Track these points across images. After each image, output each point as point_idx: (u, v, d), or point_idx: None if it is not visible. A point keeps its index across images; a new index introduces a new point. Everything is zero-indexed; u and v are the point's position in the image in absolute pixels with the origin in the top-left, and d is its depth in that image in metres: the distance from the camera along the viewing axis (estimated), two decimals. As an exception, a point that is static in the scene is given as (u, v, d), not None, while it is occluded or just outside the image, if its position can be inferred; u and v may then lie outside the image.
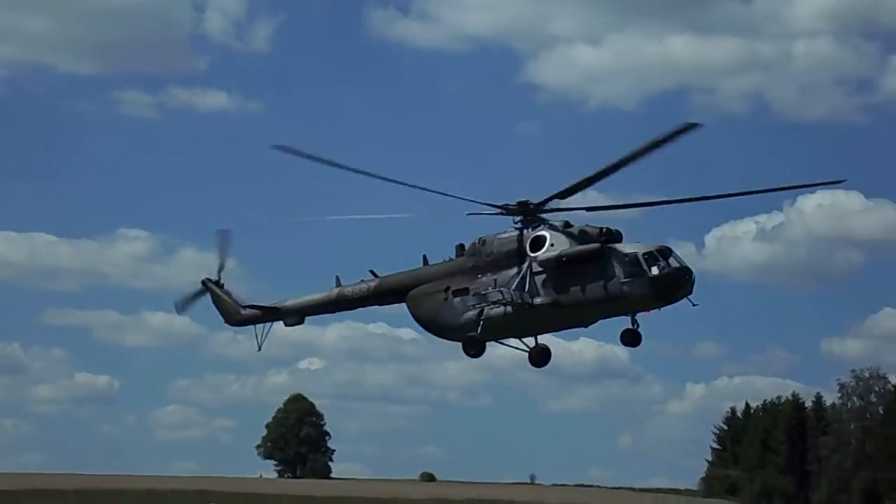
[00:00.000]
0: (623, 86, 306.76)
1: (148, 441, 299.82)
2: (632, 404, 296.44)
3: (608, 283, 47.77)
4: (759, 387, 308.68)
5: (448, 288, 51.56)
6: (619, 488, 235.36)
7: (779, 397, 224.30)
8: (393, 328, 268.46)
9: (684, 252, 49.61)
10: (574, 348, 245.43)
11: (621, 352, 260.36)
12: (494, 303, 49.31)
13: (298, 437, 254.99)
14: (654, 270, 47.43)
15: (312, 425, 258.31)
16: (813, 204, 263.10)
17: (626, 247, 48.39)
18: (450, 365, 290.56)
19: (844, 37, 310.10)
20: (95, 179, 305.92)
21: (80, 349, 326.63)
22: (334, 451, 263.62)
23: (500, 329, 50.38)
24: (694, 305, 48.50)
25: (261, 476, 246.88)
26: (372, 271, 54.90)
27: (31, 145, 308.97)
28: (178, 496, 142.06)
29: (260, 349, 58.40)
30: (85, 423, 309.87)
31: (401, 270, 54.35)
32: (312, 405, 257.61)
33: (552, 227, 49.66)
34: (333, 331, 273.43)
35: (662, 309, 48.85)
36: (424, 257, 53.75)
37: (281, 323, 58.01)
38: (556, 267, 48.72)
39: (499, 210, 50.13)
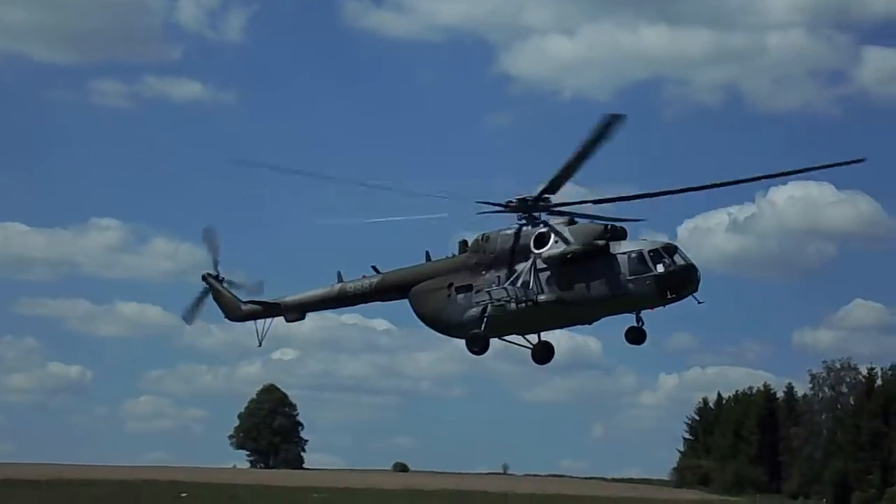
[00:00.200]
0: (597, 77, 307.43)
1: (120, 431, 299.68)
2: (604, 395, 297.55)
3: (613, 281, 47.56)
4: (732, 377, 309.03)
5: (451, 284, 51.24)
6: (591, 479, 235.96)
7: (751, 388, 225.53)
8: (366, 319, 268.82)
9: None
10: (547, 339, 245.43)
11: (594, 343, 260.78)
12: (498, 300, 49.07)
13: (271, 428, 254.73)
14: (660, 268, 47.21)
15: (285, 416, 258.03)
16: (785, 196, 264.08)
17: (630, 244, 48.17)
18: (423, 356, 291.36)
19: (817, 29, 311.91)
20: (68, 169, 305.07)
21: (53, 339, 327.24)
22: (307, 441, 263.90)
23: (504, 326, 50.08)
24: (699, 303, 48.41)
25: (234, 466, 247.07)
26: (374, 267, 54.47)
27: (3, 134, 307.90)
28: (151, 487, 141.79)
29: (260, 345, 58.30)
30: (57, 413, 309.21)
31: (403, 266, 53.94)
32: (285, 395, 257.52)
33: (556, 224, 49.39)
34: (307, 321, 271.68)
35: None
36: (427, 253, 53.33)
37: (282, 319, 57.59)
38: (561, 264, 48.46)
39: (501, 207, 49.72)
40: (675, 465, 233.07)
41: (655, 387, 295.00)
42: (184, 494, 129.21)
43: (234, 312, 59.34)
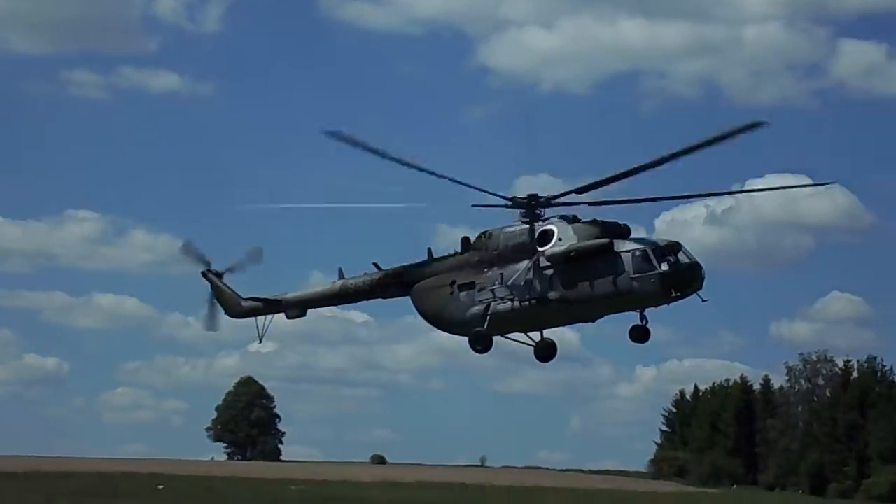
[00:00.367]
0: (575, 70, 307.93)
1: (98, 423, 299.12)
2: (582, 387, 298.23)
3: (617, 279, 47.22)
4: (708, 370, 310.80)
5: (454, 282, 50.80)
6: (569, 471, 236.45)
7: (727, 380, 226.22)
8: (344, 311, 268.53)
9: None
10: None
11: (572, 335, 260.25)
12: (502, 298, 48.87)
13: (249, 420, 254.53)
14: (665, 266, 46.90)
15: (263, 408, 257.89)
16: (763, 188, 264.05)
17: (635, 242, 47.84)
18: (401, 348, 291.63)
19: (794, 22, 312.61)
20: (45, 160, 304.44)
21: (29, 331, 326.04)
22: (285, 433, 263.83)
23: (507, 324, 49.78)
24: (703, 301, 48.16)
25: (212, 459, 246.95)
26: (375, 264, 53.87)
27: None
28: (128, 479, 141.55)
29: (261, 342, 57.94)
30: (34, 405, 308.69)
31: (405, 263, 53.38)
32: (263, 388, 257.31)
33: (560, 221, 49.06)
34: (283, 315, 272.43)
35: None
36: (429, 250, 52.78)
37: (282, 315, 57.17)
38: (565, 262, 48.08)
39: (505, 203, 49.41)
40: (652, 456, 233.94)
41: (633, 379, 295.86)
42: (161, 486, 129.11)
43: (235, 309, 58.49)
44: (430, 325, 52.19)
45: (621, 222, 48.69)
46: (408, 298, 52.96)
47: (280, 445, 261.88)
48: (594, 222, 48.73)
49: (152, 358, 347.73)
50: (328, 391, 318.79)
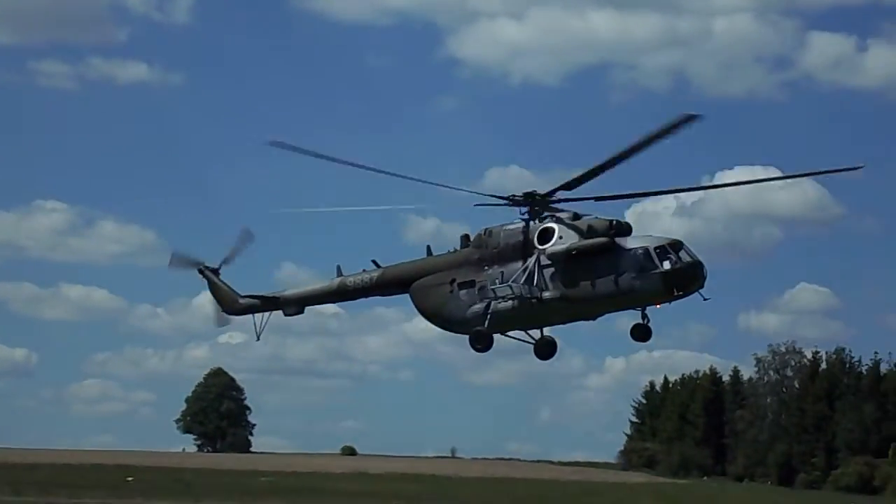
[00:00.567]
0: (545, 61, 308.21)
1: (66, 415, 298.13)
2: (552, 378, 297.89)
3: (619, 278, 46.91)
4: (678, 361, 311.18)
5: (454, 280, 50.45)
6: (539, 462, 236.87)
7: (697, 371, 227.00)
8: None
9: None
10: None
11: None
12: (503, 297, 48.45)
13: (219, 412, 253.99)
14: (666, 265, 46.62)
15: (233, 399, 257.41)
16: (732, 180, 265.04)
17: (636, 240, 47.44)
18: (371, 339, 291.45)
19: (764, 14, 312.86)
20: (12, 151, 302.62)
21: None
22: (255, 425, 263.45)
23: (508, 322, 49.48)
24: (705, 300, 48.14)
25: (183, 450, 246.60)
26: (374, 261, 53.50)
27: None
28: (97, 471, 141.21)
29: (259, 339, 57.45)
30: (2, 396, 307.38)
31: (404, 261, 53.10)
32: (233, 379, 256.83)
33: (560, 219, 48.66)
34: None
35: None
36: (428, 248, 52.55)
37: (280, 312, 56.73)
38: (566, 260, 47.72)
39: (505, 201, 48.95)
40: (622, 447, 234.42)
41: (602, 370, 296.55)
42: (130, 478, 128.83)
43: (232, 306, 57.86)
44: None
45: (622, 220, 48.35)
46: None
47: (250, 437, 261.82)
48: (595, 220, 48.40)
49: (121, 349, 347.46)
50: (298, 382, 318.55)
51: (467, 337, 49.77)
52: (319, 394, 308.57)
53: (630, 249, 47.11)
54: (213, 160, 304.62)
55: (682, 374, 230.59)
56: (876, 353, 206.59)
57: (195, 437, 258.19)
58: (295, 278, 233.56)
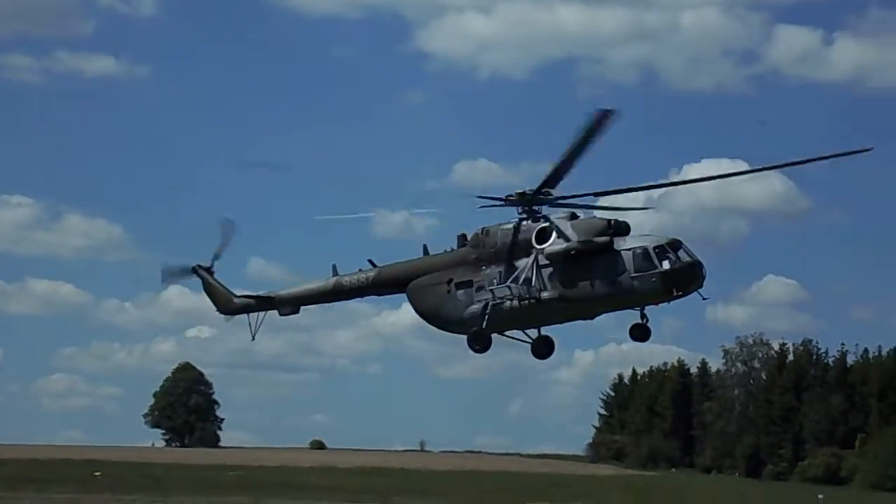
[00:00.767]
0: (513, 55, 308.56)
1: (33, 410, 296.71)
2: (521, 372, 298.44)
3: (618, 278, 46.64)
4: (646, 354, 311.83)
5: (451, 280, 50.08)
6: (508, 455, 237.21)
7: (665, 364, 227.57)
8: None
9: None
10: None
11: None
12: (501, 297, 48.18)
13: (187, 406, 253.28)
14: (666, 265, 46.35)
15: (201, 394, 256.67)
16: (699, 173, 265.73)
17: (635, 239, 47.22)
18: (340, 333, 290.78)
19: (731, 8, 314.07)
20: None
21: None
22: (223, 419, 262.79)
23: (506, 322, 49.21)
24: (704, 299, 48.12)
25: (153, 445, 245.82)
26: (370, 261, 53.12)
27: None
28: (64, 465, 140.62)
29: (253, 339, 57.06)
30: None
31: (400, 260, 52.69)
32: (201, 374, 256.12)
33: (558, 219, 48.33)
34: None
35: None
36: (425, 247, 52.17)
37: (275, 312, 56.34)
38: (564, 260, 47.40)
39: (502, 200, 48.34)
40: (591, 440, 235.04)
41: (571, 363, 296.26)
42: (98, 473, 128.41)
43: (227, 306, 57.31)
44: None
45: (621, 219, 48.13)
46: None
47: (219, 431, 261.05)
48: (593, 219, 48.15)
49: (88, 344, 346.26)
50: (267, 377, 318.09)
51: (465, 337, 49.38)
52: (288, 388, 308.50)
53: (629, 249, 46.83)
54: (181, 154, 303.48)
55: (651, 367, 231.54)
56: (843, 344, 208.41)
57: (163, 431, 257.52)
58: (265, 273, 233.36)
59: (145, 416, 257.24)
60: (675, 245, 47.10)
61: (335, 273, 54.11)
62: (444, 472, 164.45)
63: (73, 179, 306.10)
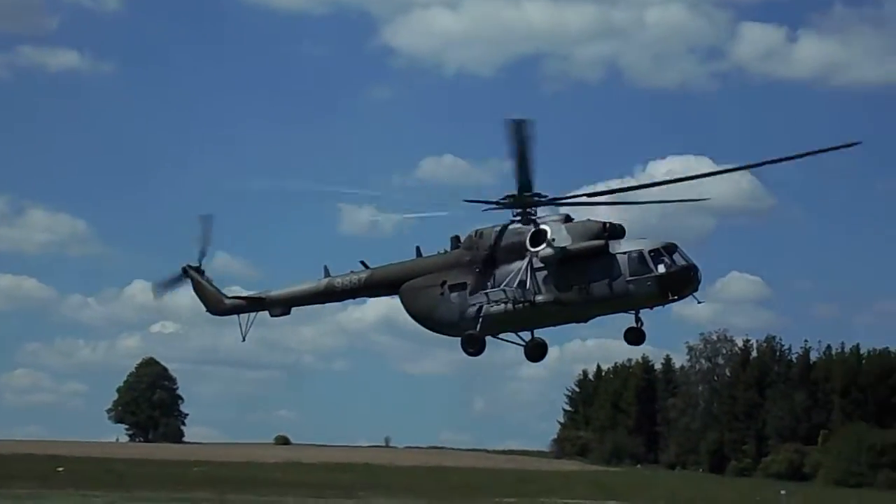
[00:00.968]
0: (480, 51, 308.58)
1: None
2: (486, 367, 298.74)
3: (613, 282, 46.37)
4: (611, 350, 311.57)
5: (444, 282, 49.65)
6: (472, 451, 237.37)
7: (629, 360, 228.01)
8: (248, 290, 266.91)
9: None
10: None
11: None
12: (496, 301, 47.82)
13: (151, 402, 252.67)
14: (661, 268, 46.10)
15: (165, 389, 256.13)
16: (664, 170, 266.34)
17: (630, 243, 46.90)
18: (305, 329, 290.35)
19: (697, 5, 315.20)
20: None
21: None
22: (187, 415, 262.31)
23: (500, 326, 48.88)
24: (699, 303, 48.11)
25: (116, 440, 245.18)
26: (363, 262, 52.69)
27: None
28: (27, 461, 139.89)
29: (244, 340, 56.65)
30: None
31: (393, 262, 52.25)
32: (165, 369, 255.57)
33: (553, 221, 48.08)
34: (186, 293, 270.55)
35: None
36: (418, 248, 51.73)
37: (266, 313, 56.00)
38: (559, 264, 47.08)
39: (495, 203, 47.92)
40: (556, 436, 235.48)
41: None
42: (61, 468, 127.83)
43: (217, 306, 56.92)
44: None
45: (616, 222, 47.87)
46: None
47: (183, 427, 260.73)
48: (588, 222, 47.93)
49: (52, 339, 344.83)
50: (231, 372, 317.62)
51: (459, 340, 48.89)
52: (253, 384, 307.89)
53: (624, 253, 46.61)
54: (145, 149, 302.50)
55: (615, 363, 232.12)
56: (806, 341, 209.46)
57: (127, 427, 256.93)
58: (229, 269, 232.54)
59: (109, 411, 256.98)
60: (671, 249, 46.93)
61: (327, 274, 53.68)
62: (409, 467, 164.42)
63: (37, 174, 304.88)
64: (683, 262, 46.81)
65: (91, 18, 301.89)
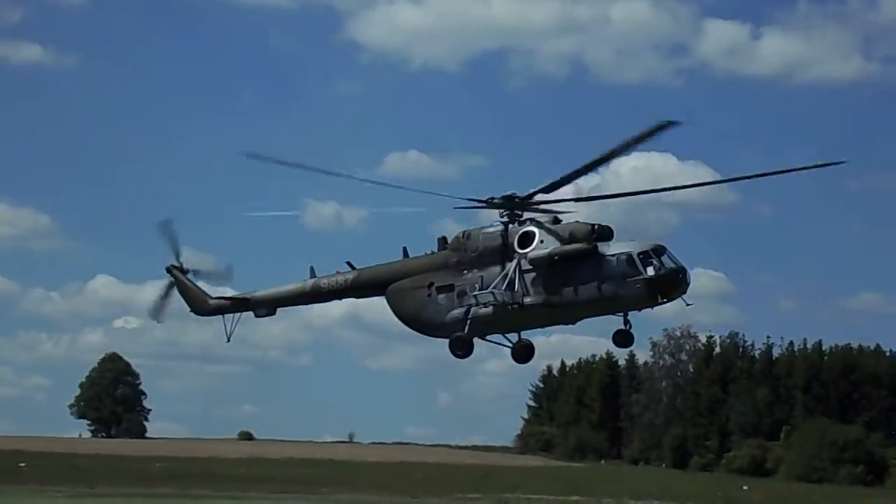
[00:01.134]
0: (445, 46, 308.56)
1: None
2: (450, 363, 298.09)
3: (602, 284, 46.13)
4: (575, 345, 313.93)
5: (431, 284, 49.33)
6: (437, 446, 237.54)
7: (593, 356, 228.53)
8: (213, 286, 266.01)
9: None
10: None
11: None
12: (483, 303, 47.52)
13: (113, 397, 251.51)
14: (650, 271, 45.86)
15: (128, 385, 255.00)
16: (628, 166, 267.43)
17: (618, 245, 46.66)
18: (270, 324, 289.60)
19: (661, 2, 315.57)
20: None
21: None
22: (150, 410, 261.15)
23: (488, 327, 48.60)
24: (688, 305, 47.68)
25: (79, 436, 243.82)
26: (349, 263, 52.45)
27: None
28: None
29: (229, 340, 56.19)
30: None
31: (380, 263, 51.92)
32: (128, 364, 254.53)
33: (540, 223, 47.82)
34: (149, 288, 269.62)
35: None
36: (405, 249, 51.38)
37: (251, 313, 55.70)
38: (547, 265, 46.79)
39: (483, 204, 47.86)
40: (519, 431, 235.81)
41: (501, 354, 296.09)
42: (23, 464, 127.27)
43: (201, 307, 56.69)
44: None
45: (605, 224, 47.64)
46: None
47: (145, 422, 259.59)
48: (576, 224, 47.65)
49: (14, 334, 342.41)
50: (195, 368, 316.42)
51: (447, 341, 48.55)
52: (216, 379, 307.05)
53: (613, 255, 46.36)
54: (108, 144, 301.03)
55: (579, 359, 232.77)
56: (769, 337, 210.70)
57: (89, 422, 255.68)
58: (193, 265, 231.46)
59: (71, 406, 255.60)
60: (660, 251, 46.73)
61: (312, 275, 53.46)
62: (373, 463, 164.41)
63: (0, 168, 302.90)
64: (672, 265, 46.62)
65: (55, 11, 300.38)
